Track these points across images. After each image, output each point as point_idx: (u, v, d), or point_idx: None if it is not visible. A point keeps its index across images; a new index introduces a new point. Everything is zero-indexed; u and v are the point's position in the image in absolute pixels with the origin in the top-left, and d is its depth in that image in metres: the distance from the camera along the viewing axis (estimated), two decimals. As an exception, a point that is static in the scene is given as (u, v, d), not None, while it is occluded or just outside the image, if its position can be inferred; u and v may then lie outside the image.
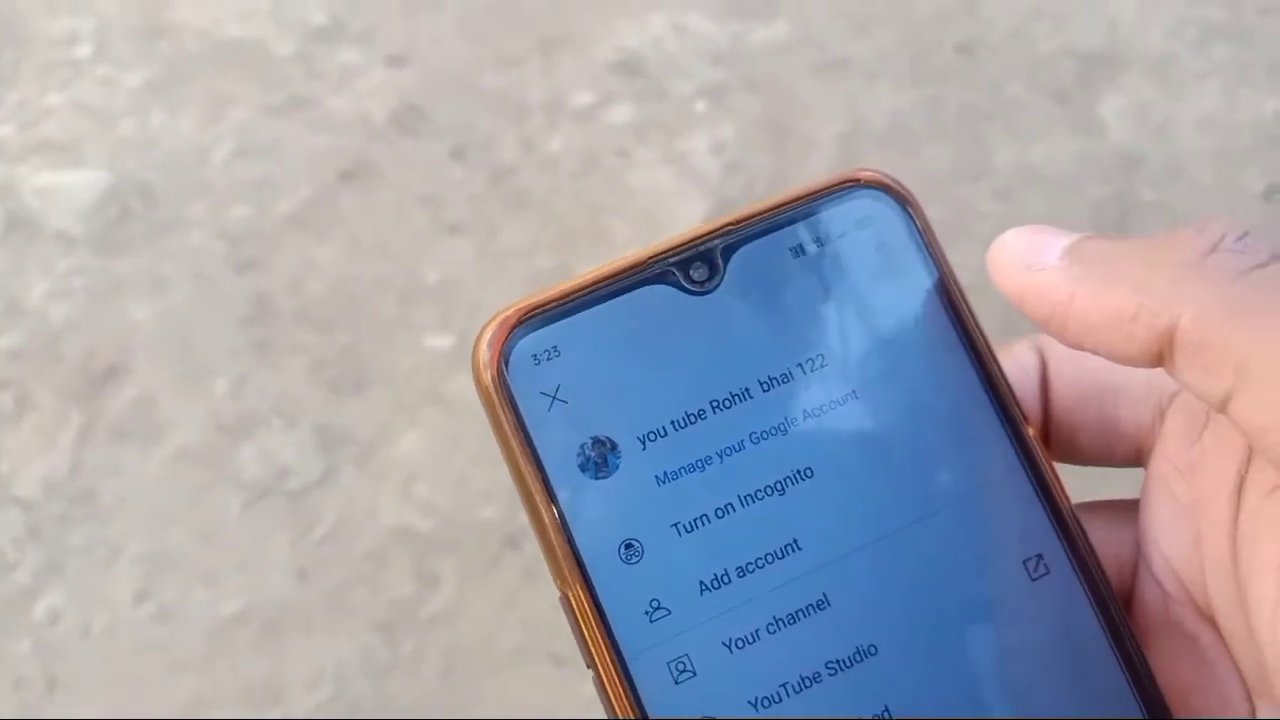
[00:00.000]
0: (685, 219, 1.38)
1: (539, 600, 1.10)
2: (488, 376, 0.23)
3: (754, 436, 0.23)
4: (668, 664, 0.23)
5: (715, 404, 0.23)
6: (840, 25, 1.59)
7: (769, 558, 0.23)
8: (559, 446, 0.23)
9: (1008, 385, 0.25)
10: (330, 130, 1.48)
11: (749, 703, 0.22)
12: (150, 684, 1.08)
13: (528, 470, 0.23)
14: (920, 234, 0.24)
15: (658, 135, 1.48)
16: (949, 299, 0.24)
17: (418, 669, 1.08)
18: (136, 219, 1.39)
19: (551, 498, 0.23)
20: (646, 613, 0.24)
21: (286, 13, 1.64)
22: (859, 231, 0.24)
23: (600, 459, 0.23)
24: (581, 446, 0.23)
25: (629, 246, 1.45)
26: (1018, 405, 0.25)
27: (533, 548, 1.09)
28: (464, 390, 1.27)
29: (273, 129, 1.48)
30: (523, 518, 1.15)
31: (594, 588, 0.24)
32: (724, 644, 0.23)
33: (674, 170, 1.43)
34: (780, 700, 0.22)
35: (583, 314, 0.23)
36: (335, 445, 1.20)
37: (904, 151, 1.42)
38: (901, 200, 0.24)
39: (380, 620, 1.10)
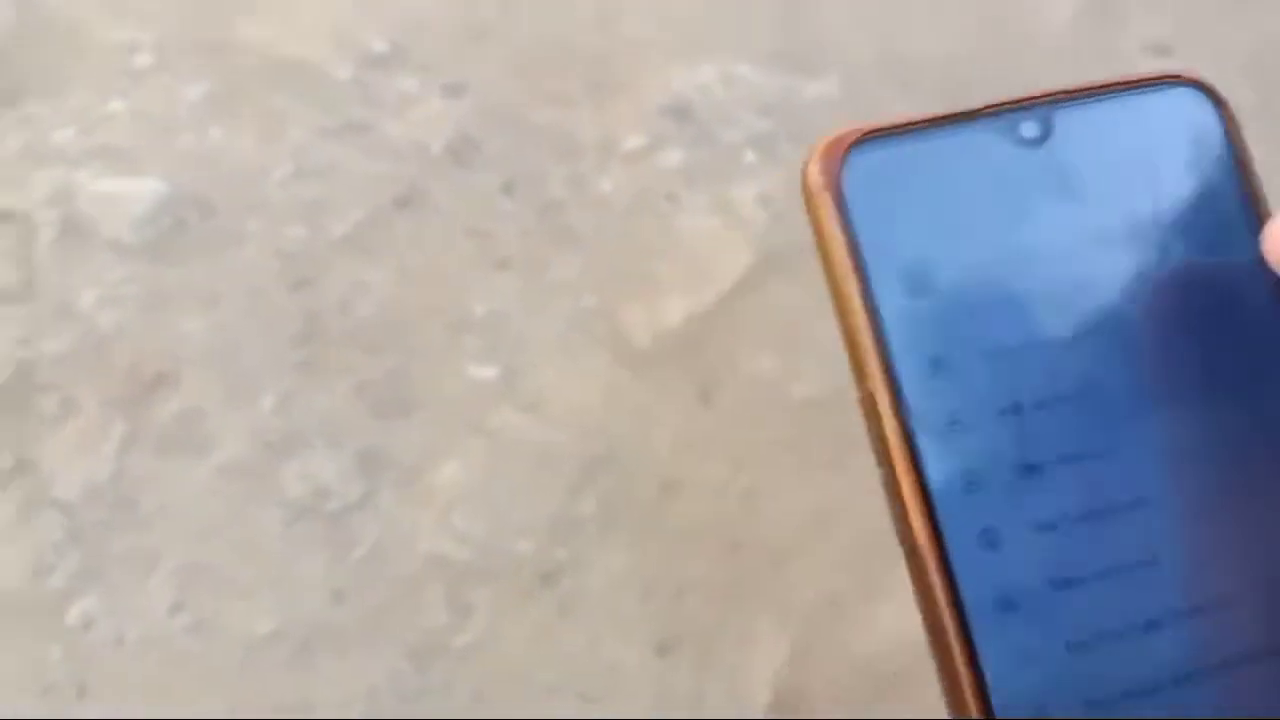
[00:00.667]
0: (731, 267, 1.40)
1: (572, 638, 1.10)
2: (822, 180, 0.26)
3: (1070, 285, 0.26)
4: (959, 475, 0.23)
5: (1033, 249, 0.26)
6: (887, 83, 1.63)
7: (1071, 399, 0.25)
8: (883, 259, 0.25)
9: None
10: (386, 156, 1.51)
11: (1033, 527, 0.24)
12: (180, 696, 1.08)
13: (848, 274, 0.25)
14: (1232, 138, 0.25)
15: (706, 181, 1.51)
16: (1255, 205, 0.25)
17: (447, 699, 1.08)
18: (192, 231, 1.41)
19: (869, 302, 0.24)
20: (944, 424, 0.26)
21: (346, 37, 1.68)
22: (1178, 123, 0.26)
23: (922, 279, 0.24)
24: (906, 264, 0.24)
25: (674, 291, 1.48)
26: None
27: (569, 582, 1.10)
28: (507, 422, 1.28)
29: (329, 151, 1.50)
30: (559, 553, 1.17)
31: (899, 390, 0.26)
32: (1016, 467, 0.23)
33: (721, 218, 1.45)
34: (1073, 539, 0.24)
35: (921, 144, 0.25)
36: (376, 469, 1.21)
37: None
38: (1218, 103, 0.26)
39: (412, 646, 1.10)
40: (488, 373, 1.29)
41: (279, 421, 1.24)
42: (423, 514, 1.18)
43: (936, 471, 0.24)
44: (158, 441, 1.23)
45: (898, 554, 1.16)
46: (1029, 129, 0.25)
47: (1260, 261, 0.25)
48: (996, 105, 0.25)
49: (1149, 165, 0.25)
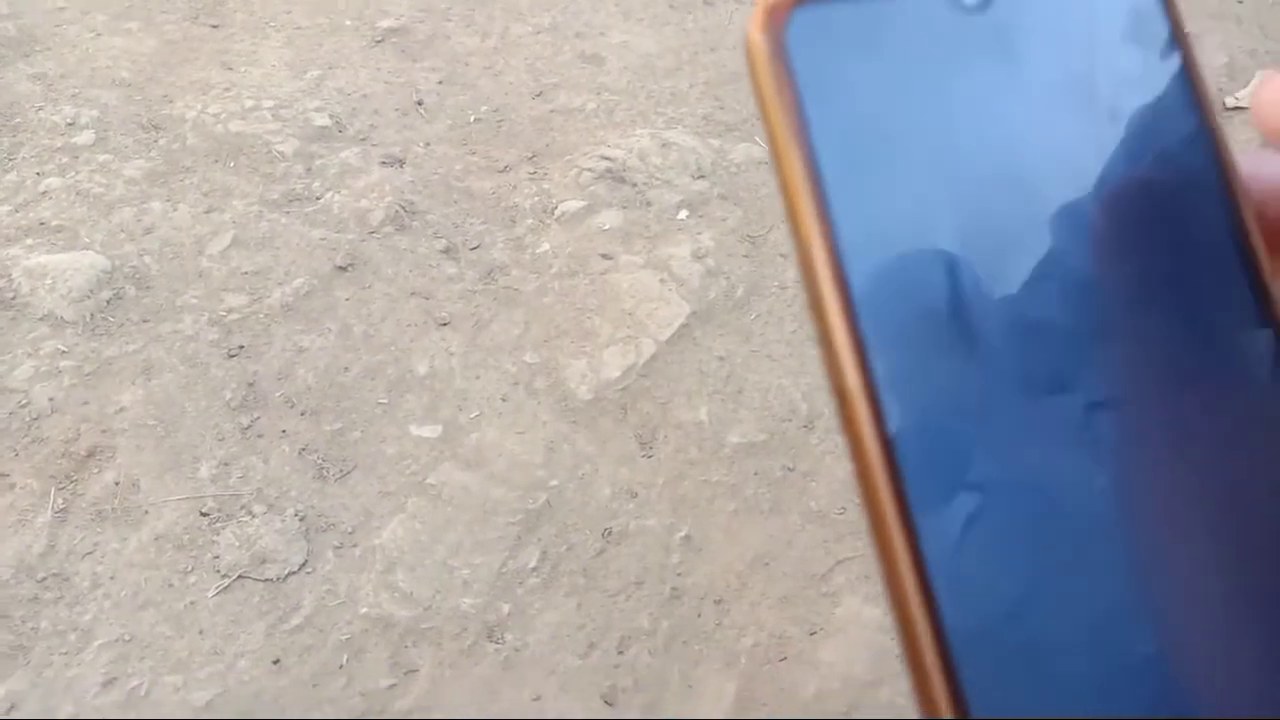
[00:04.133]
0: (667, 321, 1.43)
1: (517, 693, 1.09)
2: (765, 41, 0.24)
3: (1007, 149, 0.24)
4: (901, 345, 0.23)
5: (972, 111, 0.25)
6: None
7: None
8: (826, 120, 0.24)
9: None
10: (328, 225, 1.53)
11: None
12: (111, 776, 1.04)
13: (791, 134, 0.23)
14: (1168, 5, 0.26)
15: (642, 241, 1.55)
16: (1191, 74, 0.26)
17: (391, 764, 1.06)
18: (129, 303, 1.41)
19: (811, 163, 0.23)
20: (887, 292, 0.23)
21: (289, 112, 1.71)
22: None
23: (864, 139, 0.24)
24: (848, 124, 0.24)
25: (613, 345, 1.50)
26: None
27: (512, 637, 1.09)
28: (449, 479, 1.29)
29: (271, 222, 1.52)
30: (502, 608, 1.16)
31: (840, 256, 0.23)
32: (956, 339, 0.23)
33: (657, 274, 1.49)
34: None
35: (862, 6, 0.24)
36: (317, 532, 1.20)
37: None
38: None
39: (355, 711, 1.08)
40: (429, 431, 1.30)
41: (216, 489, 1.23)
42: (364, 576, 1.17)
43: (876, 339, 0.23)
44: (91, 514, 1.21)
45: (838, 593, 1.19)
46: None
47: (1197, 133, 0.25)
48: None
49: (1089, 32, 0.25)
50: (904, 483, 0.22)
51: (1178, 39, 0.26)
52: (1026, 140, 0.24)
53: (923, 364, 0.23)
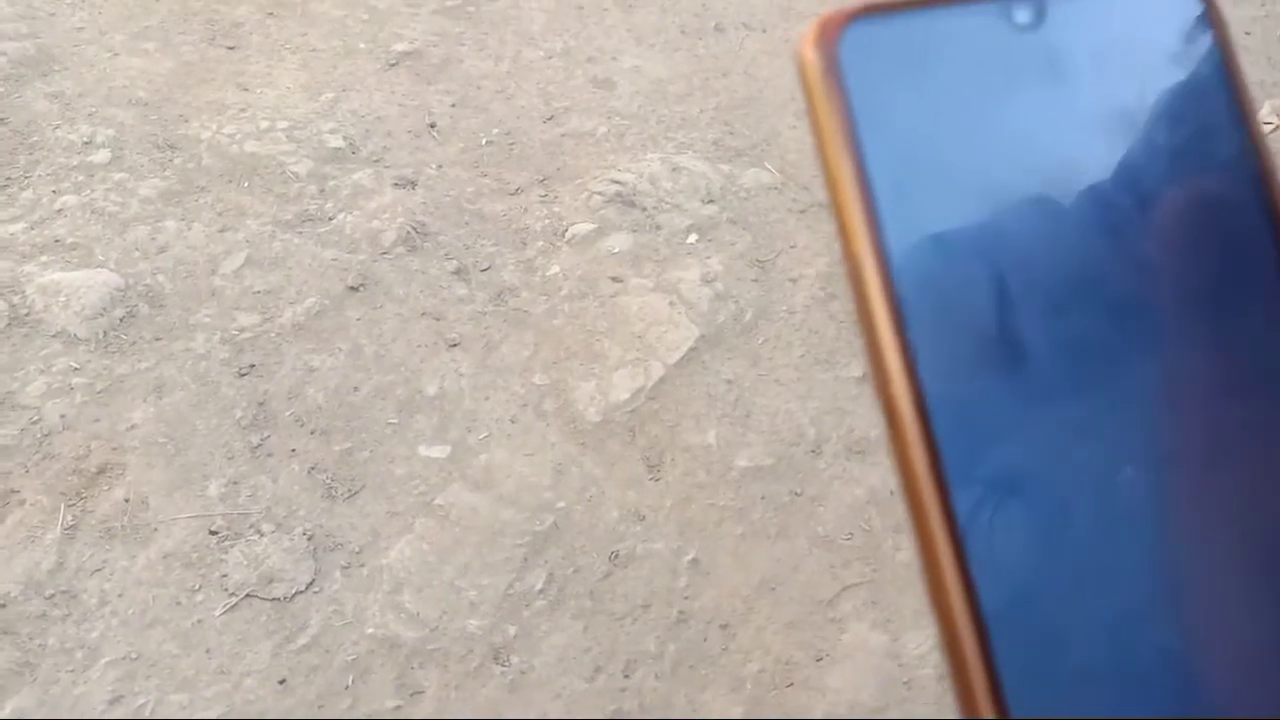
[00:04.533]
0: (676, 344, 1.44)
1: (523, 716, 1.09)
2: (818, 58, 0.24)
3: (1056, 167, 0.25)
4: (948, 353, 0.23)
5: (1022, 131, 0.24)
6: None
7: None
8: (877, 135, 0.24)
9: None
10: (340, 245, 1.54)
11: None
12: (116, 796, 1.04)
13: (842, 148, 0.24)
14: (1216, 27, 0.26)
15: (651, 264, 1.56)
16: (1239, 95, 0.26)
17: (395, 787, 1.06)
18: (142, 321, 1.43)
19: (863, 177, 0.24)
20: (934, 303, 0.24)
21: (303, 134, 1.73)
22: (1166, 12, 0.26)
23: (915, 155, 0.24)
24: (899, 140, 0.24)
25: (622, 368, 1.51)
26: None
27: (518, 659, 1.08)
28: (457, 500, 1.29)
29: (284, 242, 1.53)
30: (509, 630, 1.16)
31: (889, 265, 0.23)
32: (1002, 347, 0.23)
33: (666, 297, 1.50)
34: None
35: (915, 24, 0.25)
36: (325, 551, 1.20)
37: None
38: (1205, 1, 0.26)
39: (360, 733, 1.08)
40: (438, 452, 1.30)
41: (225, 508, 1.23)
42: (371, 596, 1.17)
43: (924, 343, 0.23)
44: (100, 531, 1.21)
45: (845, 619, 1.19)
46: (1022, 14, 0.25)
47: (1243, 151, 0.26)
48: None
49: (1138, 53, 0.26)
50: (949, 490, 0.22)
51: (1225, 56, 0.26)
52: (1076, 156, 0.25)
53: (971, 377, 0.23)
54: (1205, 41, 0.26)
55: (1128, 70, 0.26)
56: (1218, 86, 0.26)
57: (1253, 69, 2.04)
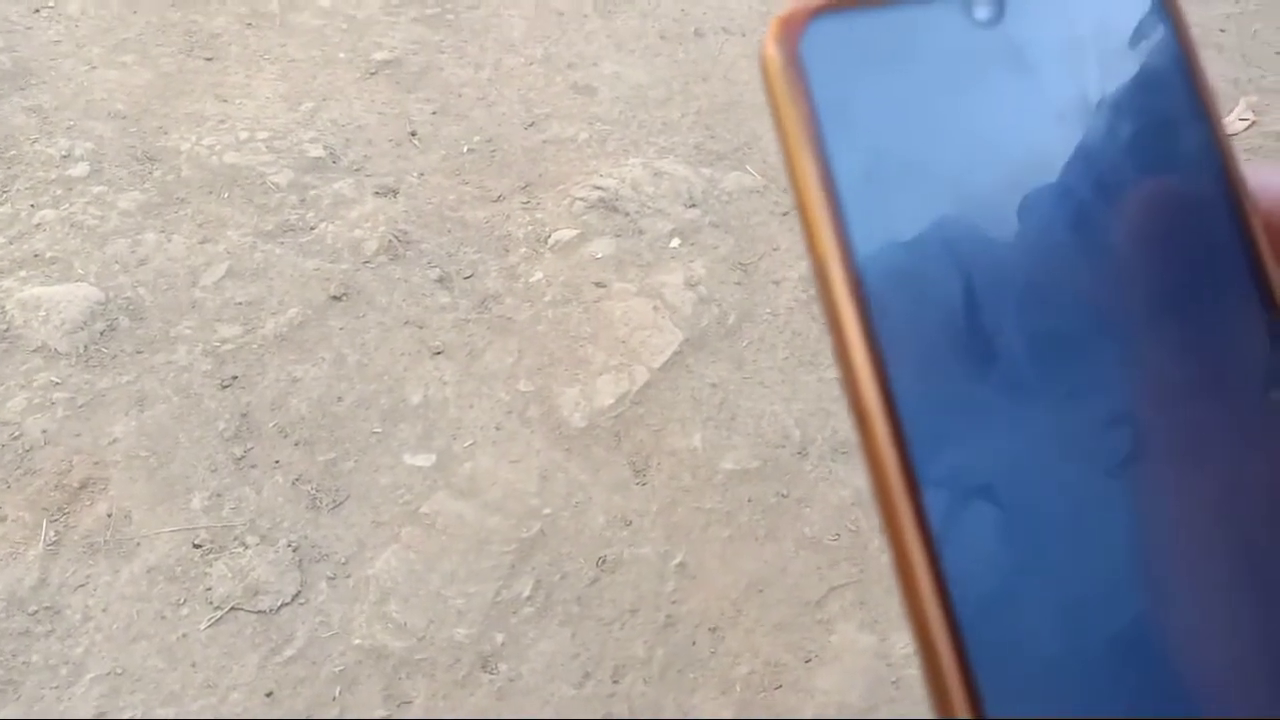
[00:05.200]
0: (660, 348, 1.44)
1: (512, 725, 1.09)
2: (779, 54, 0.24)
3: (1020, 160, 0.25)
4: (913, 345, 0.23)
5: (985, 124, 0.24)
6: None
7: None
8: (840, 132, 0.24)
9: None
10: (321, 255, 1.54)
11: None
12: (102, 813, 1.03)
13: (805, 146, 0.24)
14: (1174, 17, 0.26)
15: (634, 269, 1.56)
16: (1198, 84, 0.26)
17: (384, 798, 1.05)
18: (123, 335, 1.42)
19: (826, 174, 0.24)
20: (901, 301, 0.24)
21: (283, 144, 1.73)
22: (1124, 8, 0.26)
23: (878, 152, 0.24)
24: (862, 136, 0.24)
25: (606, 373, 1.51)
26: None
27: (506, 667, 1.08)
28: (443, 508, 1.29)
29: (265, 252, 1.53)
30: (496, 637, 1.15)
31: (853, 262, 0.23)
32: (968, 341, 0.23)
33: (649, 302, 1.50)
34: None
35: (876, 20, 0.25)
36: (310, 563, 1.20)
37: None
38: None
39: (348, 745, 1.07)
40: (423, 461, 1.30)
41: (209, 521, 1.22)
42: (357, 607, 1.17)
43: (892, 342, 0.23)
44: (84, 546, 1.20)
45: (833, 620, 1.19)
46: (982, 10, 0.25)
47: (1206, 145, 0.26)
48: None
49: (1097, 46, 0.26)
50: (921, 491, 0.22)
51: (1185, 51, 0.26)
52: (1039, 151, 0.25)
53: (940, 377, 0.23)
54: (1162, 33, 0.26)
55: (1088, 64, 0.26)
56: (1177, 78, 0.26)
57: (1227, 66, 2.06)
